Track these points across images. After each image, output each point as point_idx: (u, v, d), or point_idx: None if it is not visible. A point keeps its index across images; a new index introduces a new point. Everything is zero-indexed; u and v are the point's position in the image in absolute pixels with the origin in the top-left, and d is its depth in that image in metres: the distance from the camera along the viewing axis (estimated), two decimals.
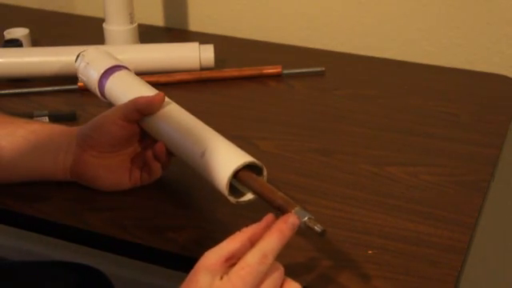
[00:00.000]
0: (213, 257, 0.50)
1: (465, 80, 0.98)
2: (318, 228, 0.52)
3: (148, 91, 0.72)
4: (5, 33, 1.03)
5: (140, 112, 0.67)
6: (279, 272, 0.51)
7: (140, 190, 0.71)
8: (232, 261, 0.50)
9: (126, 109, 0.68)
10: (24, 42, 1.02)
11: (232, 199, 0.59)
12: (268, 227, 0.52)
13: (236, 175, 0.58)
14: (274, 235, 0.51)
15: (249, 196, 0.60)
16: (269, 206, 0.57)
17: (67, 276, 0.89)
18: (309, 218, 0.53)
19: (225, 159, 0.59)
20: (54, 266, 0.92)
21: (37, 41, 1.07)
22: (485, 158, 0.78)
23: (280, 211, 0.55)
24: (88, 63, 0.78)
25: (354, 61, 1.05)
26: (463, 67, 1.03)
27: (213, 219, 0.68)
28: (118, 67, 0.77)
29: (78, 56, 0.83)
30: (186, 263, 0.62)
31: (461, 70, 1.02)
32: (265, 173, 0.59)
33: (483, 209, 0.71)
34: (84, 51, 0.82)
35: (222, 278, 0.49)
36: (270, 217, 0.53)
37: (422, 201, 0.70)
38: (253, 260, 0.49)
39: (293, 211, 0.53)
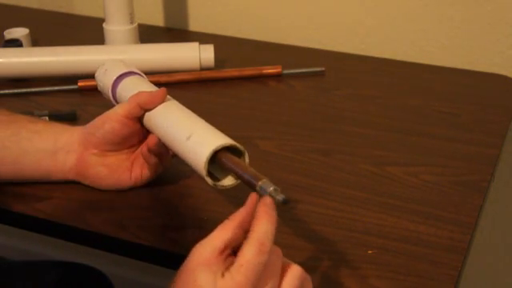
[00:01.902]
0: (206, 251, 0.49)
1: (465, 80, 0.98)
2: (279, 197, 0.51)
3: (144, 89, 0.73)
4: (5, 33, 1.03)
5: (141, 106, 0.68)
6: (276, 254, 0.50)
7: (140, 190, 0.71)
8: (226, 251, 0.49)
9: (129, 105, 0.68)
10: (24, 42, 1.02)
11: (210, 181, 0.59)
12: (254, 207, 0.51)
13: (215, 158, 0.59)
14: (263, 219, 0.49)
15: (226, 182, 0.60)
16: None
17: (67, 276, 0.89)
18: (274, 189, 0.52)
19: (206, 141, 0.60)
20: (53, 266, 0.92)
21: (37, 41, 1.07)
22: (485, 157, 0.78)
23: (249, 186, 0.54)
24: (106, 70, 0.79)
25: (354, 61, 1.05)
26: (463, 67, 1.03)
27: (213, 219, 0.68)
28: (131, 73, 0.78)
29: (99, 67, 0.84)
30: None
31: (461, 70, 1.02)
32: (247, 159, 0.60)
33: (483, 209, 0.71)
34: (106, 61, 0.83)
35: (223, 275, 0.48)
36: (253, 196, 0.52)
37: (422, 201, 0.70)
38: (251, 253, 0.48)
39: (258, 184, 0.53)
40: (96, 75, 0.82)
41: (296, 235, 0.64)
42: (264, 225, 0.49)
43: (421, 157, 0.78)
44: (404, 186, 0.73)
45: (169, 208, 0.69)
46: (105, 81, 0.79)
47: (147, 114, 0.68)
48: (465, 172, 0.75)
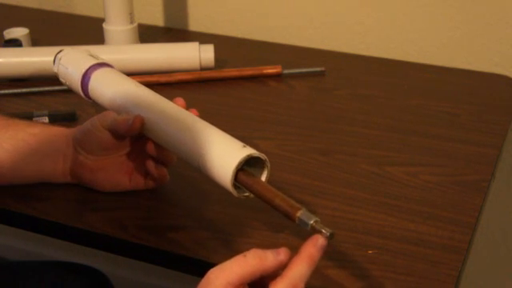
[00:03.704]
0: (221, 284, 0.48)
1: (465, 80, 0.98)
2: (325, 231, 0.51)
3: (132, 89, 0.71)
4: (5, 33, 1.03)
5: (118, 133, 0.66)
6: None
7: (140, 190, 0.71)
8: (241, 287, 0.49)
9: (110, 123, 0.67)
10: (24, 41, 1.02)
11: (236, 193, 0.59)
12: (283, 265, 0.50)
13: (236, 175, 0.58)
14: (304, 262, 0.49)
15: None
16: (270, 211, 0.56)
17: (67, 276, 0.89)
18: (315, 221, 0.51)
19: (220, 167, 0.58)
20: (54, 266, 0.92)
21: (37, 41, 1.07)
22: (485, 157, 0.78)
23: (285, 216, 0.54)
24: (68, 63, 0.76)
25: (354, 61, 1.05)
26: (463, 67, 1.03)
27: (213, 219, 0.68)
28: (100, 65, 0.75)
29: (55, 57, 0.79)
30: (186, 263, 0.63)
31: (461, 69, 1.02)
32: (267, 163, 0.58)
33: (483, 209, 0.71)
34: (61, 52, 0.79)
35: None
36: (286, 255, 0.50)
37: (422, 201, 0.70)
38: None
39: (297, 216, 0.52)
40: (55, 68, 0.78)
41: (296, 235, 0.64)
42: (303, 268, 0.49)
43: (421, 157, 0.78)
44: (404, 185, 0.73)
45: (169, 208, 0.69)
46: (70, 76, 0.75)
47: (145, 128, 0.66)
48: (465, 172, 0.75)
